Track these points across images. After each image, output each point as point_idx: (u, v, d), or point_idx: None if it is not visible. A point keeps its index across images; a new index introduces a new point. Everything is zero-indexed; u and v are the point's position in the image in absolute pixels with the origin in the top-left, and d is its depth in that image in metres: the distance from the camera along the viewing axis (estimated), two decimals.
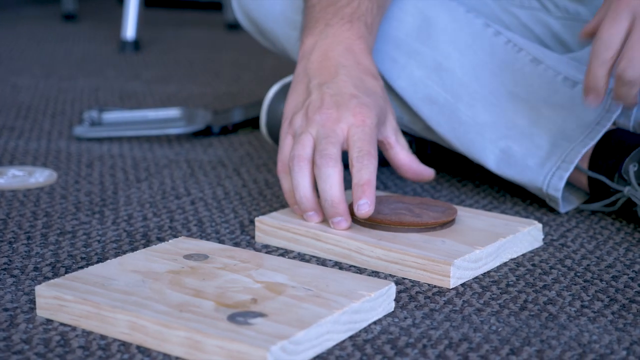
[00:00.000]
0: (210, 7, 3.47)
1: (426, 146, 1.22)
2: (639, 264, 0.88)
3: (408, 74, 1.09)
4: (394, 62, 1.09)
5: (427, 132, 1.12)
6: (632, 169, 0.98)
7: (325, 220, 0.90)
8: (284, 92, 1.15)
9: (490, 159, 1.05)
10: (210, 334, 0.65)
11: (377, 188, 1.12)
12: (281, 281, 0.76)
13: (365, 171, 0.87)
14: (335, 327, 0.69)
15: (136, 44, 2.41)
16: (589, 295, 0.80)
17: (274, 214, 0.94)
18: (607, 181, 1.00)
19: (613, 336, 0.72)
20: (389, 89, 1.11)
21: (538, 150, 1.03)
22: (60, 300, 0.72)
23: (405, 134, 1.19)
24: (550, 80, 1.06)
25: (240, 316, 0.68)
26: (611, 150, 1.02)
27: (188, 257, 0.81)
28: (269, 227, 0.92)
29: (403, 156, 0.97)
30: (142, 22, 2.51)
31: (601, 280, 0.84)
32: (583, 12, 1.18)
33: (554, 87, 1.06)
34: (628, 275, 0.85)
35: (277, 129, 1.16)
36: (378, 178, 1.18)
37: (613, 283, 0.83)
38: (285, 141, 0.93)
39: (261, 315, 0.68)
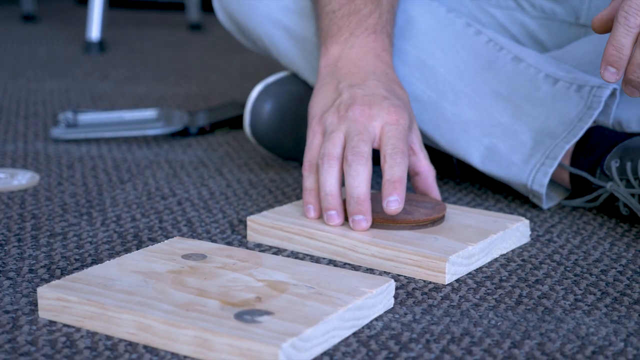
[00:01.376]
0: (172, 8, 3.46)
1: None
2: (625, 258, 0.90)
3: None
4: None
5: None
6: (614, 165, 1.00)
7: (323, 219, 0.91)
8: (267, 92, 1.16)
9: (475, 156, 1.07)
10: (219, 333, 0.66)
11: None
12: (282, 279, 0.76)
13: (398, 169, 0.88)
14: (341, 324, 0.70)
15: (101, 45, 2.40)
16: (581, 289, 0.82)
17: (265, 213, 0.94)
18: (590, 177, 1.02)
19: (609, 328, 0.74)
20: None
21: (522, 146, 1.05)
22: (64, 302, 0.72)
23: None
24: (532, 78, 1.08)
25: (247, 314, 0.69)
26: (592, 147, 1.04)
27: (186, 257, 0.81)
28: (261, 226, 0.92)
29: (424, 165, 0.98)
30: (104, 23, 2.50)
31: (591, 274, 0.86)
32: (559, 11, 1.20)
33: (536, 85, 1.07)
34: (616, 269, 0.87)
35: (260, 129, 1.16)
36: None
37: (603, 277, 0.85)
38: (314, 140, 0.93)
39: (267, 313, 0.69)
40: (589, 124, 1.03)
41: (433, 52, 1.10)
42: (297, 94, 1.17)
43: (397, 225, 0.90)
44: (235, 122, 1.48)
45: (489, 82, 1.08)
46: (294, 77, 1.19)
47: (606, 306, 0.78)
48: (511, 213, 1.04)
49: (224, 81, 1.98)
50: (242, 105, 1.55)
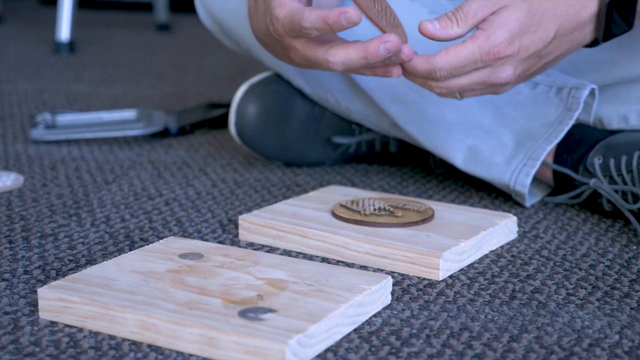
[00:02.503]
0: (139, 8, 3.45)
1: (388, 145, 1.24)
2: (611, 252, 0.92)
3: None
4: None
5: (394, 129, 1.14)
6: (597, 161, 1.02)
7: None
8: (252, 92, 1.16)
9: (458, 157, 1.08)
10: (225, 330, 0.66)
11: (345, 185, 1.14)
12: (281, 277, 0.77)
13: None
14: (342, 320, 0.71)
15: (71, 46, 2.39)
16: (572, 284, 0.84)
17: (256, 212, 0.95)
18: (573, 174, 1.04)
19: (603, 321, 0.75)
20: (357, 87, 1.13)
21: (504, 148, 1.06)
22: (65, 302, 0.72)
23: (370, 131, 1.22)
24: None
25: (251, 312, 0.69)
26: (575, 145, 1.05)
27: (183, 256, 0.82)
28: (253, 225, 0.93)
29: None
30: (73, 23, 2.48)
31: (580, 269, 0.87)
32: None
33: (516, 89, 1.09)
34: (604, 263, 0.89)
35: (246, 129, 1.17)
36: (345, 176, 1.20)
37: (592, 271, 0.87)
38: None
39: (271, 310, 0.70)
40: (569, 125, 1.05)
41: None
42: (282, 94, 1.17)
43: (389, 224, 0.91)
44: (215, 123, 1.48)
45: None
46: (278, 77, 1.19)
47: (598, 300, 0.80)
48: (496, 210, 1.05)
49: (198, 81, 1.98)
50: (215, 106, 1.55)
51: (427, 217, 0.93)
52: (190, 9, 3.41)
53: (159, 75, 2.05)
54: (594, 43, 0.92)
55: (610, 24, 0.89)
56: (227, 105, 1.55)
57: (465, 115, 1.08)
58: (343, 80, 1.14)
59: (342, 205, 0.95)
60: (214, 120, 1.48)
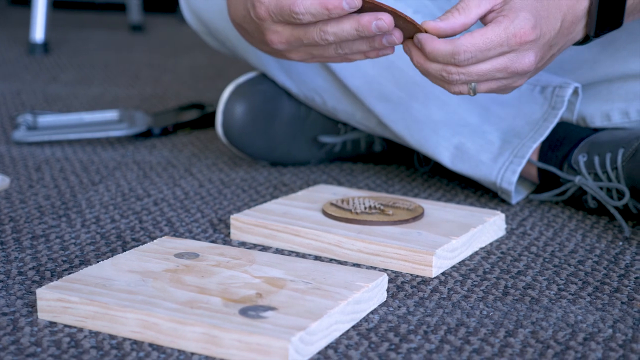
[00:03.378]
0: (112, 8, 3.44)
1: (373, 144, 1.25)
2: (598, 248, 0.94)
3: (362, 73, 1.12)
4: None
5: (380, 128, 1.15)
6: (581, 159, 1.03)
7: None
8: (238, 93, 1.17)
9: (445, 156, 1.09)
10: (227, 329, 0.67)
11: (330, 183, 1.15)
12: (278, 276, 0.78)
13: None
14: (342, 318, 0.72)
15: (45, 46, 2.37)
16: (562, 279, 0.85)
17: (248, 211, 0.96)
18: (558, 172, 1.05)
19: (596, 316, 0.77)
20: (343, 87, 1.14)
21: (490, 146, 1.08)
22: (65, 302, 0.72)
23: (355, 130, 1.23)
24: None
25: (252, 310, 0.70)
26: (559, 143, 1.07)
27: (179, 255, 0.82)
28: (245, 224, 0.93)
29: None
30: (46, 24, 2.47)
31: (569, 265, 0.89)
32: None
33: None
34: (592, 259, 0.90)
35: (233, 129, 1.17)
36: (330, 175, 1.21)
37: (581, 267, 0.88)
38: None
39: (271, 308, 0.70)
40: (554, 123, 1.07)
41: (402, 53, 1.12)
42: (269, 94, 1.18)
43: (381, 222, 0.91)
44: (197, 123, 1.49)
45: None
46: (264, 77, 1.20)
47: (589, 295, 0.81)
48: (482, 207, 1.06)
49: (176, 82, 1.97)
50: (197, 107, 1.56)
51: (417, 215, 0.94)
52: (164, 10, 3.41)
53: (136, 76, 2.04)
54: (584, 41, 0.93)
55: (601, 21, 0.90)
56: (199, 107, 1.55)
57: (451, 113, 1.09)
58: (329, 79, 1.15)
59: (332, 204, 0.96)
60: (196, 120, 1.48)
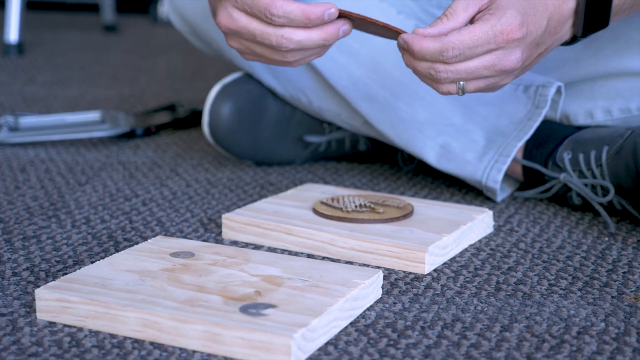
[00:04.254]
0: (85, 9, 3.42)
1: (357, 143, 1.26)
2: (585, 244, 0.95)
3: (348, 74, 1.13)
4: (334, 61, 1.13)
5: (366, 127, 1.16)
6: (566, 156, 1.05)
7: None
8: (225, 92, 1.17)
9: (431, 155, 1.10)
10: (229, 326, 0.67)
11: (316, 182, 1.15)
12: (275, 274, 0.78)
13: None
14: (340, 314, 0.73)
15: (19, 47, 2.36)
16: (552, 275, 0.86)
17: (239, 210, 0.96)
18: (543, 169, 1.07)
19: (588, 310, 0.78)
20: (329, 87, 1.15)
21: (475, 145, 1.09)
22: (64, 302, 0.72)
23: (340, 129, 1.24)
24: None
25: (252, 308, 0.70)
26: (544, 141, 1.08)
27: (175, 255, 0.82)
28: (237, 223, 0.94)
29: None
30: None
31: (558, 261, 0.90)
32: None
33: None
34: (580, 255, 0.92)
35: (219, 129, 1.18)
36: (316, 174, 1.22)
37: (569, 262, 0.90)
38: None
39: (271, 306, 0.71)
40: (538, 122, 1.08)
41: (386, 53, 1.13)
42: (255, 94, 1.19)
43: (372, 220, 0.92)
44: (179, 123, 1.49)
45: None
46: (250, 77, 1.20)
47: (579, 290, 0.83)
48: (468, 205, 1.07)
49: (154, 82, 1.97)
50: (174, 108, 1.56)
51: (407, 213, 0.95)
52: (137, 10, 3.40)
53: (113, 77, 2.04)
54: (571, 41, 0.95)
55: (588, 21, 0.91)
56: (171, 108, 1.55)
57: (436, 113, 1.11)
58: (315, 80, 1.16)
59: (323, 203, 0.97)
60: (179, 121, 1.49)
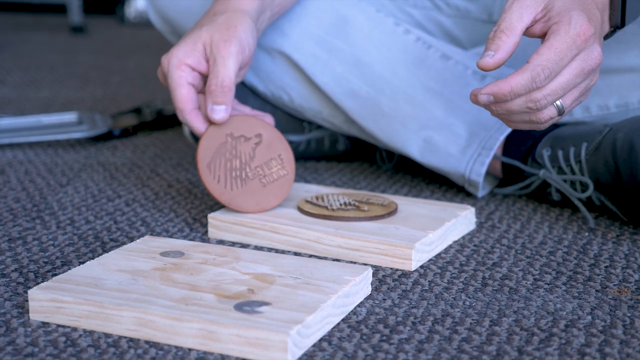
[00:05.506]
0: (51, 10, 3.40)
1: (337, 142, 1.27)
2: (566, 239, 0.97)
3: (330, 70, 1.14)
4: (316, 58, 1.14)
5: (347, 125, 1.17)
6: (545, 153, 1.06)
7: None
8: None
9: (414, 149, 1.11)
10: (225, 324, 0.68)
11: (296, 182, 1.16)
12: (266, 272, 0.79)
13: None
14: (333, 311, 0.74)
15: None
16: (536, 270, 0.88)
17: (224, 209, 0.97)
18: (522, 166, 1.08)
19: (574, 303, 0.79)
20: (311, 84, 1.15)
21: (458, 138, 1.10)
22: (58, 302, 0.73)
23: (319, 128, 1.24)
24: (461, 75, 1.14)
25: (246, 305, 0.71)
26: (523, 137, 1.10)
27: (165, 254, 0.83)
28: (223, 222, 0.95)
29: None
30: None
31: (541, 256, 0.92)
32: (473, 9, 1.26)
33: (465, 81, 1.13)
34: (561, 250, 0.93)
35: None
36: (296, 173, 1.22)
37: (552, 258, 0.91)
38: None
39: (265, 303, 0.72)
40: None
41: (368, 49, 1.14)
42: (235, 92, 1.19)
43: (358, 218, 0.93)
44: (156, 124, 1.49)
45: (421, 78, 1.13)
46: None
47: (564, 284, 0.84)
48: (449, 202, 1.09)
49: (126, 83, 1.97)
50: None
51: (392, 211, 0.96)
52: (104, 11, 3.38)
53: (85, 78, 2.03)
54: (610, 34, 0.92)
55: (626, 10, 0.89)
56: (137, 111, 1.55)
57: (418, 108, 1.12)
58: (297, 77, 1.16)
59: (308, 201, 0.98)
60: (156, 121, 1.49)
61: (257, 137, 0.96)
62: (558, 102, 0.85)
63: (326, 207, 0.96)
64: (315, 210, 0.95)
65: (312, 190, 1.04)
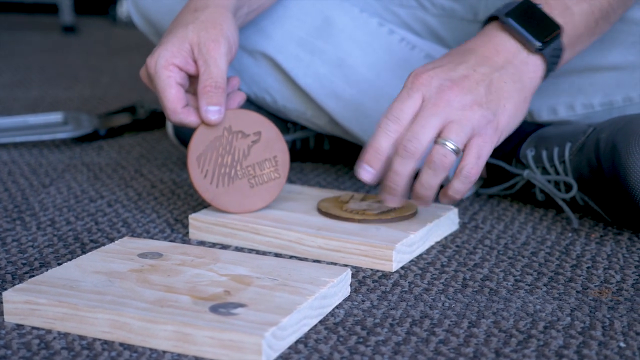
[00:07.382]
0: (43, 10, 3.39)
1: (323, 142, 1.27)
2: (549, 240, 0.96)
3: (313, 71, 1.13)
4: (298, 60, 1.13)
5: (330, 126, 1.17)
6: (529, 153, 1.06)
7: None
8: None
9: None
10: (199, 326, 0.67)
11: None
12: (244, 273, 0.78)
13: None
14: (310, 313, 0.73)
15: None
16: (518, 270, 0.87)
17: (205, 210, 0.96)
18: (507, 166, 1.08)
19: (554, 305, 0.79)
20: (295, 85, 1.15)
21: None
22: (32, 304, 0.72)
23: (304, 129, 1.24)
24: None
25: (222, 307, 0.71)
26: (507, 138, 1.09)
27: (143, 255, 0.82)
28: (204, 223, 0.94)
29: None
30: None
31: (523, 257, 0.91)
32: (458, 9, 1.25)
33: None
34: (544, 250, 0.93)
35: (183, 129, 1.17)
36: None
37: (534, 258, 0.91)
38: None
39: (241, 305, 0.71)
40: None
41: (351, 50, 1.14)
42: None
43: (346, 218, 0.93)
44: (141, 124, 1.49)
45: (405, 79, 1.12)
46: None
47: (545, 285, 0.84)
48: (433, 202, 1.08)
49: (115, 83, 1.97)
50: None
51: (412, 213, 0.95)
52: (95, 11, 3.38)
53: (74, 78, 2.03)
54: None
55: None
56: (131, 109, 1.54)
57: None
58: (280, 79, 1.16)
59: (327, 201, 0.97)
60: (138, 122, 1.48)
61: (256, 135, 0.95)
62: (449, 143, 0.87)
63: (364, 211, 0.95)
64: (345, 215, 0.94)
65: (294, 190, 1.04)
